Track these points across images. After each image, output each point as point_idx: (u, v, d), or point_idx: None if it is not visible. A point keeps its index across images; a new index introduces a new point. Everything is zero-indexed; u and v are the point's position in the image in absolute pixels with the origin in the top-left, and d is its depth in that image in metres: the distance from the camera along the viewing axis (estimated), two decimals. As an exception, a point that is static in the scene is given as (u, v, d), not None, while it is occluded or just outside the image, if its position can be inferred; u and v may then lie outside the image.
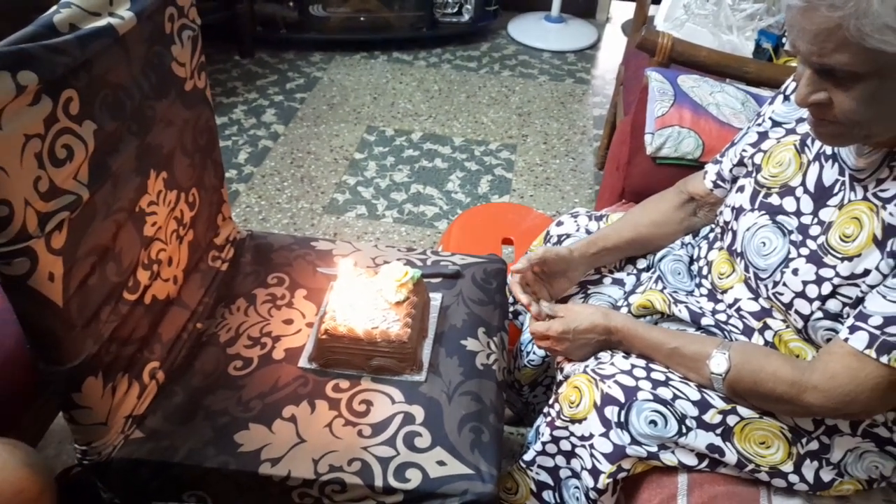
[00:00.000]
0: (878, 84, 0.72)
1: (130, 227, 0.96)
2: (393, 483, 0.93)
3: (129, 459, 0.96)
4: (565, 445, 0.99)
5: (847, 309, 0.84)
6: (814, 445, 0.90)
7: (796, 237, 0.90)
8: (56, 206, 0.79)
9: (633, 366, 0.97)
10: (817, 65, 0.74)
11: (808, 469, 0.90)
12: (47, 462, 1.29)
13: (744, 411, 0.92)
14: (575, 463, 0.99)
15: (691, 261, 1.12)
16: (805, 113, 0.97)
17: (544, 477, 1.03)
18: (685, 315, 1.01)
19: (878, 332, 0.78)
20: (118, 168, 0.90)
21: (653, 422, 0.90)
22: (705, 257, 1.07)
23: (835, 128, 0.79)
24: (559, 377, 1.08)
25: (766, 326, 0.94)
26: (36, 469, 0.86)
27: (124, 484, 0.98)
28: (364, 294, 1.11)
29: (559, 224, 1.27)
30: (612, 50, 3.35)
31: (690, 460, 0.92)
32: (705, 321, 1.00)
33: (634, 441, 0.91)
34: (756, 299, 0.96)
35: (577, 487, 0.99)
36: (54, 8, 0.81)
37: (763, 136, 1.02)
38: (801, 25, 0.73)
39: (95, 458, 0.95)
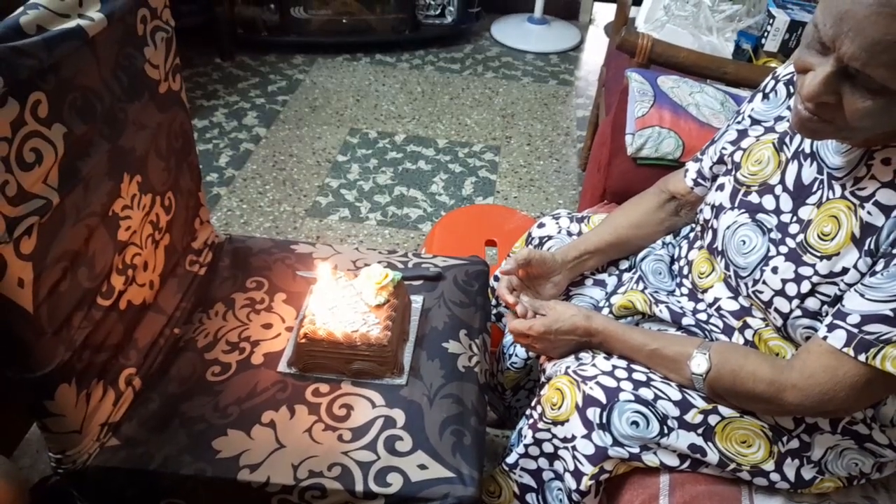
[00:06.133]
0: (892, 101, 0.69)
1: (103, 231, 0.94)
2: (374, 488, 0.92)
3: (104, 468, 0.94)
4: (548, 447, 0.99)
5: (826, 307, 0.84)
6: (794, 444, 0.90)
7: (776, 235, 0.90)
8: (25, 211, 0.78)
9: (615, 367, 0.96)
10: (853, 70, 0.69)
11: (790, 467, 0.90)
12: (22, 471, 1.27)
13: (725, 411, 0.91)
14: (557, 465, 0.98)
15: (672, 260, 1.12)
16: (784, 112, 0.98)
17: (527, 480, 1.02)
18: (666, 315, 1.01)
19: (855, 331, 0.78)
20: (89, 172, 0.89)
21: (634, 423, 0.90)
22: (685, 257, 1.07)
23: (824, 126, 0.76)
24: (542, 379, 1.07)
25: (745, 325, 0.94)
26: (8, 478, 0.85)
27: (100, 492, 0.96)
28: (344, 297, 1.10)
29: (541, 226, 1.26)
30: (595, 51, 3.36)
31: (672, 461, 0.92)
32: (686, 321, 1.00)
33: (616, 442, 0.91)
34: (736, 298, 0.96)
35: (559, 489, 0.99)
36: (21, 9, 0.79)
37: (742, 133, 1.02)
38: (860, 27, 0.65)
39: (70, 467, 0.94)
